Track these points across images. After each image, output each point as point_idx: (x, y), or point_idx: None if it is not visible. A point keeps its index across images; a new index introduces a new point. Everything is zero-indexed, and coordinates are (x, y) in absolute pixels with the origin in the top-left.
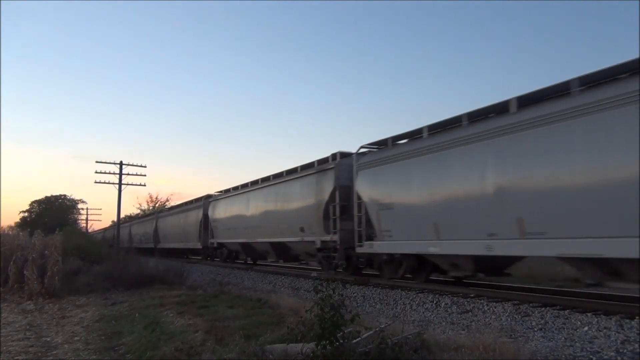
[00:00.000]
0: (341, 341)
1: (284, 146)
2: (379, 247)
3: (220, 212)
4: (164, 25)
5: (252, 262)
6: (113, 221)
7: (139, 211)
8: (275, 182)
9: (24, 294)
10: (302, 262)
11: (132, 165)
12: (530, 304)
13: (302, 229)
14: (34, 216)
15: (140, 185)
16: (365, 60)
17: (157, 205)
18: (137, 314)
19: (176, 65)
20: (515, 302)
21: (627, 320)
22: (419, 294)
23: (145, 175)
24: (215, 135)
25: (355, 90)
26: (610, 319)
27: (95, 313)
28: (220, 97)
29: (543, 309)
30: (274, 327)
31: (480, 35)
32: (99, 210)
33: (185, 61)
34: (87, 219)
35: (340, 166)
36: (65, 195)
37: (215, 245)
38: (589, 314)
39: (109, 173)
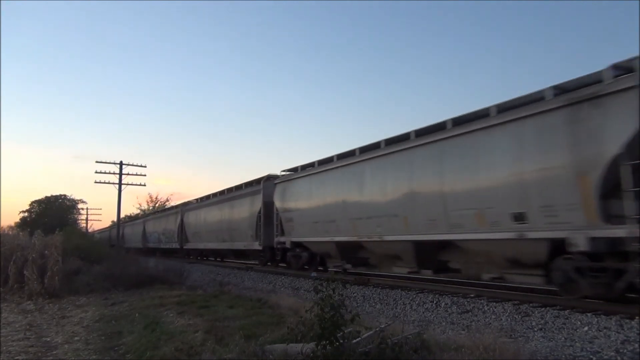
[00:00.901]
0: (341, 341)
1: (283, 146)
2: None
3: (299, 197)
4: (164, 25)
5: (344, 270)
6: (113, 221)
7: (139, 211)
8: (427, 140)
9: (24, 294)
10: (493, 278)
11: (132, 165)
12: (530, 304)
13: (518, 217)
14: (34, 216)
15: (140, 185)
16: (364, 60)
17: (157, 205)
18: (137, 314)
19: (176, 65)
20: (515, 302)
21: (627, 320)
22: (419, 294)
23: (145, 175)
24: (215, 135)
25: (355, 90)
26: (610, 319)
27: (95, 313)
28: (220, 97)
29: (543, 309)
30: (274, 327)
31: (480, 35)
32: (99, 210)
33: (185, 61)
34: (87, 219)
35: None
36: (65, 195)
37: (287, 246)
38: (589, 314)
39: (109, 173)
